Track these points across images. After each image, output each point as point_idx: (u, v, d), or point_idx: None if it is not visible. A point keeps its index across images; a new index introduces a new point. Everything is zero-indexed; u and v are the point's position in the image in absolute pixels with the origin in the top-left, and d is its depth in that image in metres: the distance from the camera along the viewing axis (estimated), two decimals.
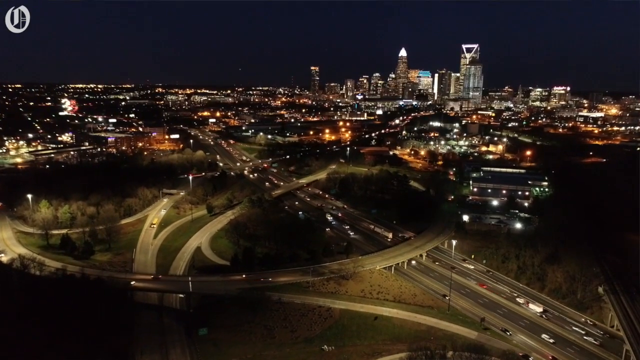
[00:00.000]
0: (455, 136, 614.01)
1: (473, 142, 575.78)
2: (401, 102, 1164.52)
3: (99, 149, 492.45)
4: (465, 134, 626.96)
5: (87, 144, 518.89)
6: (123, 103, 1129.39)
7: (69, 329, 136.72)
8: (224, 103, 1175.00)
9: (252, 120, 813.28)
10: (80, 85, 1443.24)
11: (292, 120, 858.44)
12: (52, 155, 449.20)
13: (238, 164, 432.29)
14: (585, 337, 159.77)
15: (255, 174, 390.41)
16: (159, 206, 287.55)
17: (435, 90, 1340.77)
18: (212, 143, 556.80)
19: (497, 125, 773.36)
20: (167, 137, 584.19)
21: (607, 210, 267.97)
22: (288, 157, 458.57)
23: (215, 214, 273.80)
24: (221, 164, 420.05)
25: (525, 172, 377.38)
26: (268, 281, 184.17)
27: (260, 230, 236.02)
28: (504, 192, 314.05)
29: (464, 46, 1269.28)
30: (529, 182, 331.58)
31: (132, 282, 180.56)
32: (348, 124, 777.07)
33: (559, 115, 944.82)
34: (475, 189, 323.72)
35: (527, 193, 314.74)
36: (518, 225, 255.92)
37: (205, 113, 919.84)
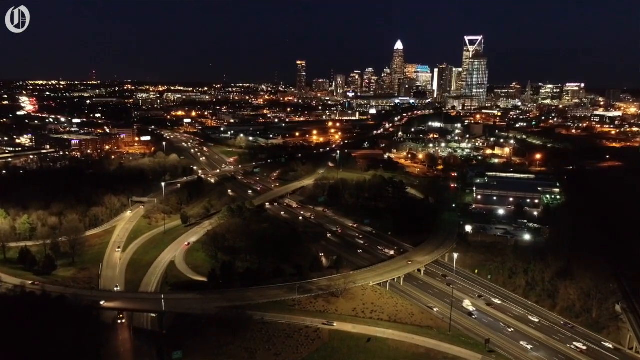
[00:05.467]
0: (457, 138, 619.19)
1: (477, 144, 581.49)
2: (397, 100, 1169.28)
3: (61, 153, 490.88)
4: (468, 136, 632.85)
5: (48, 147, 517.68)
6: (88, 102, 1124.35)
7: (29, 351, 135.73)
8: (200, 102, 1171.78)
9: (232, 121, 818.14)
10: (40, 82, 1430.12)
11: (276, 120, 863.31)
12: (10, 159, 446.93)
13: (216, 170, 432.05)
14: None
15: (235, 181, 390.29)
16: (128, 216, 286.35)
17: (435, 87, 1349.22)
18: (187, 146, 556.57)
19: (504, 125, 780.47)
20: (137, 139, 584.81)
21: (625, 220, 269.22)
22: (272, 161, 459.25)
23: (191, 225, 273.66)
24: (197, 169, 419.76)
25: (535, 177, 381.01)
26: (249, 299, 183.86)
27: (240, 242, 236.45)
28: (511, 199, 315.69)
29: (466, 38, 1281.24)
30: (539, 188, 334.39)
31: None
32: (338, 124, 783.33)
33: (572, 115, 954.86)
34: (479, 197, 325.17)
35: (536, 201, 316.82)
36: (526, 237, 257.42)
37: (180, 113, 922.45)
